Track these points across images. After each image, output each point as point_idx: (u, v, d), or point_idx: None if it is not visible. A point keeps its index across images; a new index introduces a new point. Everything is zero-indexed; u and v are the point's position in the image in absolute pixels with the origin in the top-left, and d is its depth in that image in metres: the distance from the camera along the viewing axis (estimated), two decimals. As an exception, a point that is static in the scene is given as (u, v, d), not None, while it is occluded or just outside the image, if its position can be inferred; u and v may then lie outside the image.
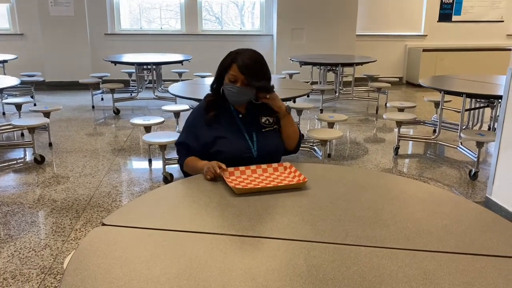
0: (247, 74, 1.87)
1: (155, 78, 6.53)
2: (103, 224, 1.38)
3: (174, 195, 1.69)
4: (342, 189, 1.69)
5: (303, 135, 2.08)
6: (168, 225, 1.39)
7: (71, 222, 2.99)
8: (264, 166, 1.83)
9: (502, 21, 8.82)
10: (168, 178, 3.71)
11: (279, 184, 1.70)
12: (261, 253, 1.24)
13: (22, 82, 5.72)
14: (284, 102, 2.00)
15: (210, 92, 2.03)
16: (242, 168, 1.80)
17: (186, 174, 1.99)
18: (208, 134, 1.92)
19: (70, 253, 2.22)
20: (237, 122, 1.96)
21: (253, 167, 1.81)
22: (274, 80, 4.96)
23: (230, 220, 1.43)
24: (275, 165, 1.84)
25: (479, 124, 4.98)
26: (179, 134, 2.26)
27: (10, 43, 7.78)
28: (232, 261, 1.19)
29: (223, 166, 1.75)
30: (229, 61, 1.91)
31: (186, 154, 1.97)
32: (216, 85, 1.98)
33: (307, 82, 6.15)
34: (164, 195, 1.66)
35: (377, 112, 6.32)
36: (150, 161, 4.22)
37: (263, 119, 1.99)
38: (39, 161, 4.13)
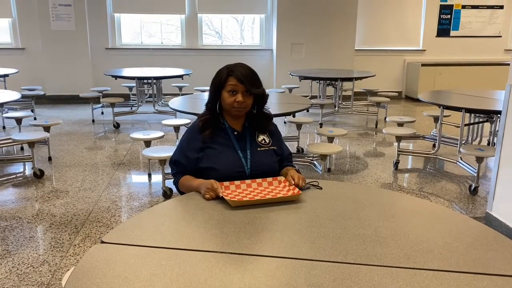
0: (247, 83, 1.89)
1: (155, 92, 6.56)
2: (102, 242, 1.37)
3: (173, 212, 1.69)
4: (342, 206, 1.69)
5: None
6: (167, 243, 1.38)
7: (70, 238, 2.98)
8: (258, 180, 1.85)
9: (500, 36, 8.90)
10: (167, 193, 3.70)
11: (274, 197, 1.72)
12: (261, 272, 1.23)
13: (23, 96, 5.73)
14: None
15: (205, 111, 2.03)
16: (237, 182, 1.82)
17: (182, 193, 1.98)
18: (201, 152, 1.93)
19: (68, 269, 2.21)
20: (232, 139, 1.96)
21: (248, 181, 1.84)
22: (274, 95, 5.00)
23: (229, 238, 1.42)
24: (269, 179, 1.87)
25: (478, 139, 4.98)
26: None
27: (12, 57, 7.84)
28: (232, 280, 1.18)
29: (220, 187, 1.75)
30: (224, 75, 1.92)
31: (181, 172, 1.97)
32: (212, 103, 1.98)
33: (307, 96, 6.18)
34: (163, 212, 1.65)
35: (376, 127, 6.33)
36: (149, 175, 4.21)
37: (260, 138, 2.00)
38: (39, 175, 4.12)
